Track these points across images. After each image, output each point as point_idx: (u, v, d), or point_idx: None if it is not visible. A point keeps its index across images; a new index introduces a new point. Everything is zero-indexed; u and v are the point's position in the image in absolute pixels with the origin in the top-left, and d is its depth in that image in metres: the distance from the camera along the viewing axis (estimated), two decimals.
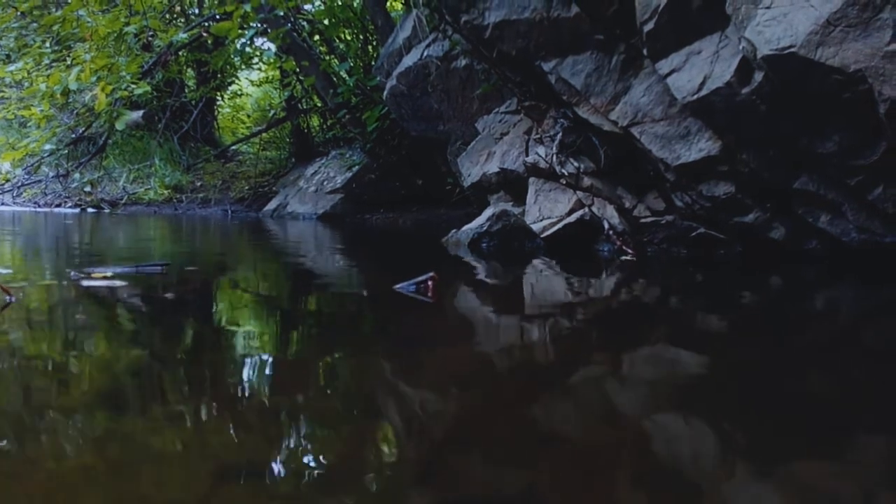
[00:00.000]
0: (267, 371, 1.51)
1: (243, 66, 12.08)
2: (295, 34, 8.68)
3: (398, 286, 2.49)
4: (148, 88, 7.42)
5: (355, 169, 8.65)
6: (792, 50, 2.74)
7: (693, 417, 1.26)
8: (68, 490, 0.90)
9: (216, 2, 10.05)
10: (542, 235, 4.34)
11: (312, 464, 1.01)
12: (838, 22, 2.64)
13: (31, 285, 2.51)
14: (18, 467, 0.95)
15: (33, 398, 1.27)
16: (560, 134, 4.48)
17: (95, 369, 1.49)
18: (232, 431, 1.12)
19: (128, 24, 6.80)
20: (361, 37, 9.37)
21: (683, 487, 0.96)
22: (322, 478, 0.96)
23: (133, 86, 6.68)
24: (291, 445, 1.08)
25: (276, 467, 0.98)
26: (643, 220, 4.22)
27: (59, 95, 6.71)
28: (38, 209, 9.70)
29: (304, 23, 9.46)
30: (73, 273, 2.73)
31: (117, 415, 1.18)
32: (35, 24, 8.42)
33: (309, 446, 1.08)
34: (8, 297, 2.08)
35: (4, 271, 2.77)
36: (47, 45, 7.87)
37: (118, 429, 1.12)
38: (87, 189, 10.14)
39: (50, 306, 2.16)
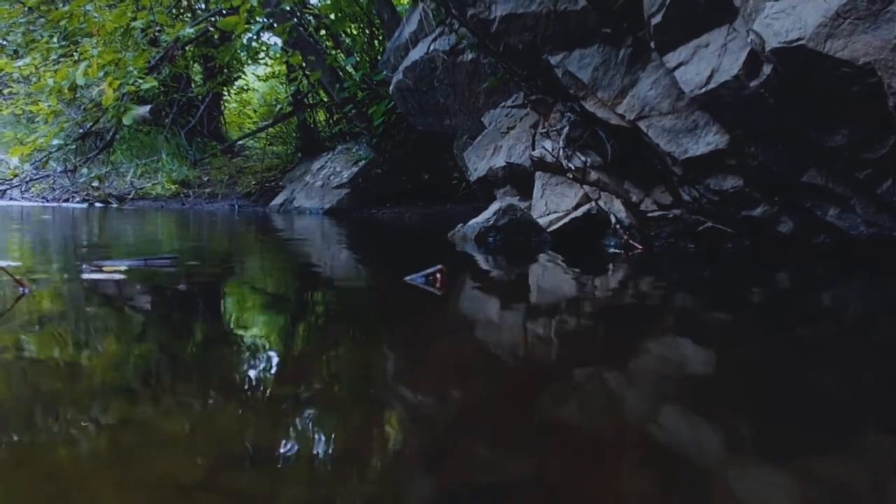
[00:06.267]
0: (278, 360, 1.53)
1: (250, 61, 12.10)
2: (301, 29, 8.68)
3: (408, 278, 2.51)
4: (155, 83, 7.45)
5: (361, 164, 8.66)
6: (801, 43, 2.73)
7: (700, 410, 1.27)
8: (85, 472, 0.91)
9: None
10: (548, 230, 4.34)
11: (321, 450, 1.02)
12: (847, 14, 2.63)
13: (43, 278, 2.53)
14: (31, 450, 0.97)
15: (46, 386, 1.28)
16: (567, 128, 4.48)
17: (108, 359, 1.51)
18: (242, 418, 1.13)
19: (135, 19, 6.83)
20: (367, 31, 9.36)
21: (688, 476, 0.97)
22: (330, 463, 0.97)
23: (140, 81, 6.71)
24: (302, 432, 1.09)
25: (286, 453, 0.99)
26: (650, 215, 4.21)
27: (66, 91, 6.74)
28: (46, 204, 9.75)
29: (311, 17, 9.47)
30: (83, 266, 2.75)
31: (130, 401, 1.19)
32: (42, 20, 8.46)
33: (319, 433, 1.09)
34: (21, 289, 2.10)
35: (14, 264, 2.79)
36: (55, 40, 7.91)
37: (130, 414, 1.13)
38: (95, 184, 10.17)
39: (63, 298, 2.18)
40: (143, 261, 2.94)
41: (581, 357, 1.68)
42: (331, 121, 10.57)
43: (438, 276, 2.49)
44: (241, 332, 1.86)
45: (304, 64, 8.67)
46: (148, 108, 8.08)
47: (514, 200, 4.86)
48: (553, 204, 4.49)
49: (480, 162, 5.51)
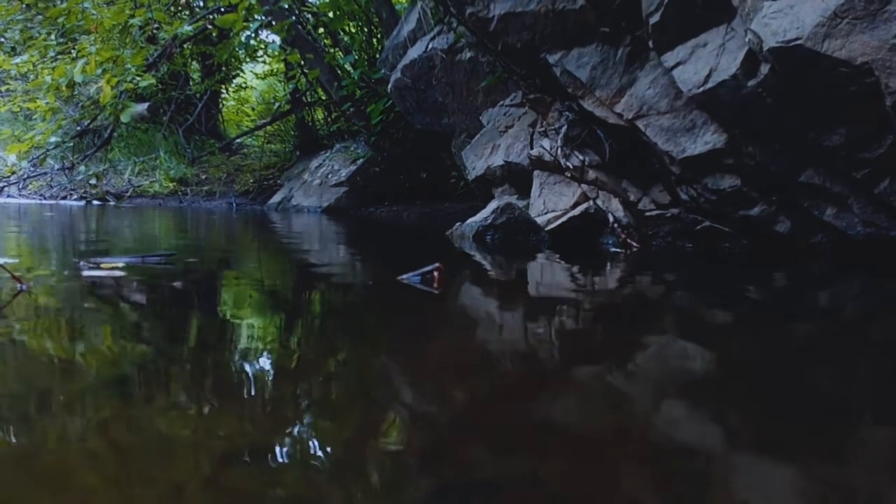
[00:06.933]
0: (273, 359, 1.53)
1: (248, 59, 12.09)
2: (299, 27, 8.68)
3: (403, 277, 2.50)
4: (153, 81, 7.44)
5: (360, 162, 8.66)
6: (798, 42, 2.74)
7: (697, 409, 1.27)
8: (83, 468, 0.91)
9: None
10: (546, 228, 4.34)
11: (317, 448, 1.02)
12: (845, 14, 2.64)
13: (41, 275, 2.53)
14: (28, 447, 0.97)
15: (42, 381, 1.28)
16: (565, 127, 4.48)
17: (104, 356, 1.51)
18: (238, 416, 1.13)
19: (133, 16, 6.82)
20: (366, 29, 9.36)
21: (685, 476, 0.97)
22: (326, 461, 0.97)
23: (138, 78, 6.71)
24: (298, 431, 1.09)
25: (282, 453, 0.99)
26: (648, 214, 4.22)
27: (64, 88, 6.74)
28: (44, 201, 9.73)
29: (309, 15, 9.46)
30: (81, 263, 2.75)
31: (125, 398, 1.19)
32: (40, 17, 8.44)
33: (315, 432, 1.09)
34: (20, 286, 2.10)
35: (12, 261, 2.79)
36: (52, 37, 7.89)
37: (126, 410, 1.13)
38: (93, 181, 10.16)
39: (60, 294, 2.18)
40: (140, 258, 2.94)
41: (579, 356, 1.68)
42: (329, 119, 10.57)
43: (436, 274, 2.49)
44: (236, 330, 1.86)
45: (302, 62, 8.66)
46: (146, 105, 8.07)
47: (513, 199, 4.86)
48: (551, 203, 4.49)
49: (479, 161, 5.52)
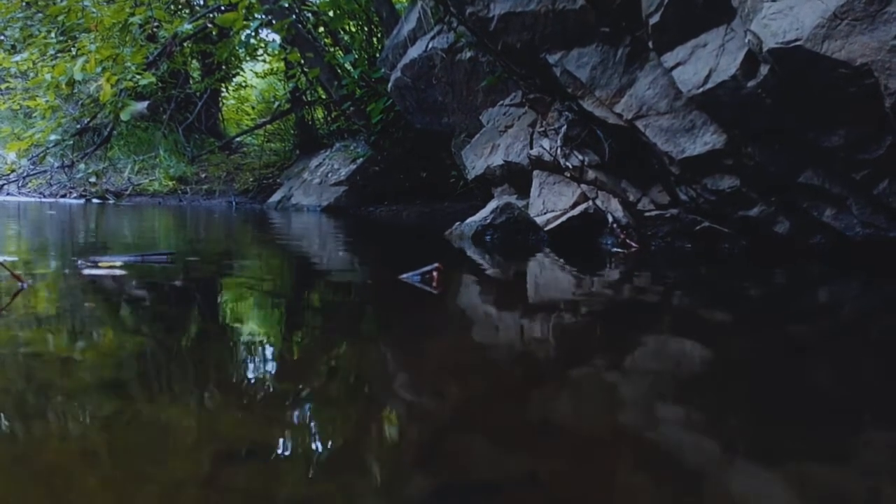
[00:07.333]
0: (273, 357, 1.53)
1: (248, 58, 12.08)
2: (300, 26, 8.67)
3: (403, 276, 2.51)
4: (153, 79, 7.45)
5: (359, 161, 8.65)
6: (798, 43, 2.74)
7: (696, 409, 1.27)
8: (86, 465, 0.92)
9: None
10: (545, 228, 4.35)
11: (316, 447, 1.02)
12: (845, 15, 2.64)
13: (40, 273, 2.53)
14: (29, 445, 0.97)
15: (42, 380, 1.28)
16: (564, 127, 4.48)
17: (104, 354, 1.51)
18: (237, 414, 1.13)
19: (133, 14, 6.82)
20: (366, 28, 9.36)
21: (684, 476, 0.97)
22: (325, 461, 0.97)
23: (138, 76, 6.72)
24: (296, 429, 1.09)
25: (281, 450, 0.99)
26: (647, 214, 4.22)
27: (64, 86, 6.74)
28: (44, 200, 9.73)
29: (309, 14, 9.46)
30: (80, 261, 2.75)
31: (124, 395, 1.20)
32: (40, 15, 8.44)
33: (314, 430, 1.10)
34: (20, 284, 2.10)
35: (11, 259, 2.79)
36: (52, 35, 7.89)
37: (127, 408, 1.13)
38: (92, 180, 10.16)
39: (60, 293, 2.18)
40: (140, 256, 2.94)
41: (578, 356, 1.68)
42: (329, 118, 10.56)
43: (435, 274, 2.49)
44: (235, 329, 1.86)
45: (302, 61, 8.66)
46: (146, 104, 8.06)
47: (512, 199, 4.86)
48: (550, 203, 4.49)
49: (478, 160, 5.52)
